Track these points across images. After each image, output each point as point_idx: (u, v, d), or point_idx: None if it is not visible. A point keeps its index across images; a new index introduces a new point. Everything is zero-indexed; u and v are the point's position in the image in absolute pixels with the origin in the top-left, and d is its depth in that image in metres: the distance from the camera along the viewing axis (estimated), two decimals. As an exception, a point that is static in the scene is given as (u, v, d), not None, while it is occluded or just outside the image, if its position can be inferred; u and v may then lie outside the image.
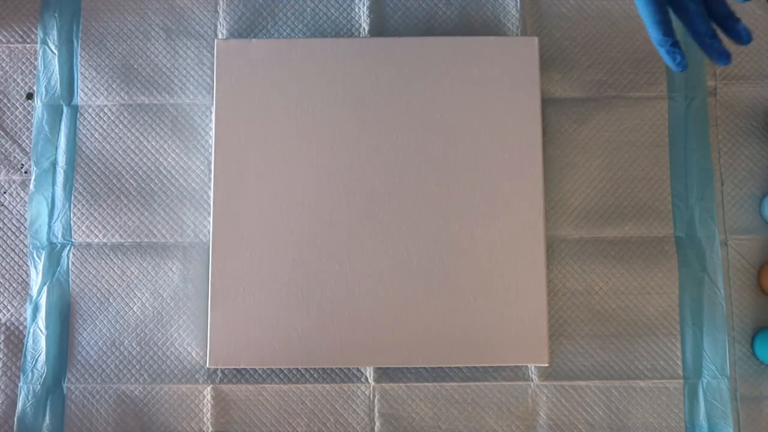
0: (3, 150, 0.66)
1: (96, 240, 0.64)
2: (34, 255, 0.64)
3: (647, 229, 0.64)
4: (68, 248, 0.64)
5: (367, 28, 0.67)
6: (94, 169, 0.65)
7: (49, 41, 0.66)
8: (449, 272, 0.61)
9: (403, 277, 0.61)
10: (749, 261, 0.64)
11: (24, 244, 0.65)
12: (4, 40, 0.67)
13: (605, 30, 0.67)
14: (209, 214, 0.63)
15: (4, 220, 0.65)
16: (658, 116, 0.65)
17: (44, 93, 0.66)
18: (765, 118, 0.66)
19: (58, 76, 0.66)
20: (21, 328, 0.64)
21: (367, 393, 0.62)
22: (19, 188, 0.65)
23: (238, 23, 0.67)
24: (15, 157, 0.66)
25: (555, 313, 0.63)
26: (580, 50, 0.67)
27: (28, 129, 0.66)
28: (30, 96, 0.67)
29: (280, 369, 0.62)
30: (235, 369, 0.62)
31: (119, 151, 0.65)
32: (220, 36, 0.67)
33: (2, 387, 0.63)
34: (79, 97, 0.66)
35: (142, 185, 0.65)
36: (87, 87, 0.66)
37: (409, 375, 0.62)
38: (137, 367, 0.63)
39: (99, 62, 0.66)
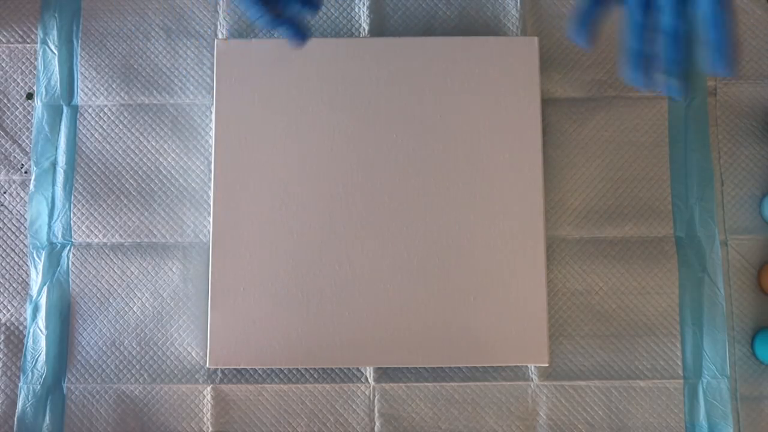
0: (3, 150, 0.66)
1: (96, 240, 0.64)
2: (34, 255, 0.64)
3: (647, 229, 0.64)
4: (68, 248, 0.64)
5: (367, 28, 0.67)
6: (94, 169, 0.65)
7: (49, 41, 0.66)
8: (449, 272, 0.61)
9: (403, 277, 0.61)
10: (749, 261, 0.64)
11: (24, 244, 0.65)
12: (4, 40, 0.67)
13: (605, 30, 0.67)
14: (209, 214, 0.63)
15: (4, 220, 0.65)
16: (658, 116, 0.65)
17: (44, 93, 0.66)
18: (765, 118, 0.66)
19: (58, 76, 0.66)
20: (21, 328, 0.64)
21: (367, 393, 0.62)
22: (19, 188, 0.65)
23: (238, 23, 0.67)
24: (15, 157, 0.66)
25: (555, 313, 0.63)
26: (580, 50, 0.67)
27: (28, 129, 0.66)
28: (30, 96, 0.67)
29: (280, 369, 0.62)
30: (235, 369, 0.62)
31: (119, 151, 0.65)
32: (220, 36, 0.67)
33: (2, 387, 0.63)
34: (79, 97, 0.66)
35: (142, 185, 0.65)
36: (87, 87, 0.66)
37: (409, 375, 0.62)
38: (137, 367, 0.63)
39: (99, 62, 0.66)
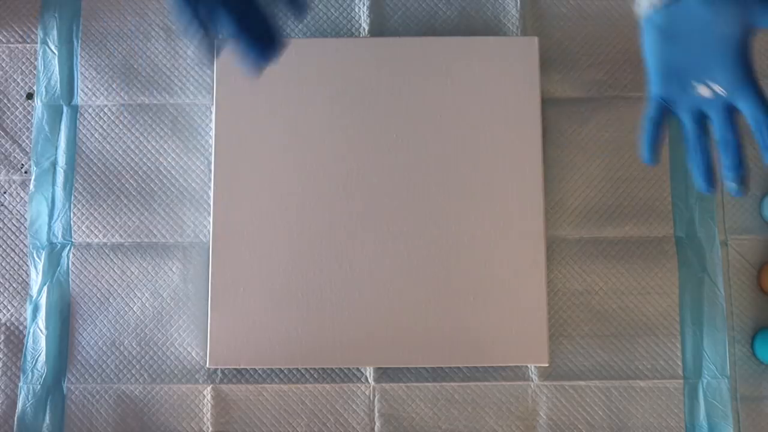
0: (3, 150, 0.66)
1: (96, 240, 0.64)
2: (34, 255, 0.64)
3: (647, 229, 0.64)
4: (68, 248, 0.64)
5: (367, 28, 0.67)
6: (94, 169, 0.65)
7: (49, 41, 0.66)
8: (449, 272, 0.61)
9: (403, 277, 0.61)
10: (749, 261, 0.64)
11: (24, 244, 0.65)
12: (4, 40, 0.67)
13: (605, 30, 0.67)
14: (209, 214, 0.63)
15: (4, 220, 0.65)
16: (658, 116, 0.65)
17: (44, 93, 0.66)
18: (765, 118, 0.66)
19: (58, 76, 0.66)
20: (21, 328, 0.64)
21: (367, 393, 0.62)
22: (19, 188, 0.65)
23: (238, 23, 0.67)
24: (15, 157, 0.66)
25: (555, 313, 0.63)
26: (580, 50, 0.67)
27: (28, 129, 0.66)
28: (30, 96, 0.67)
29: (280, 369, 0.62)
30: (235, 369, 0.62)
31: (119, 151, 0.65)
32: (220, 36, 0.67)
33: (2, 387, 0.63)
34: (79, 97, 0.66)
35: (142, 185, 0.65)
36: (87, 87, 0.66)
37: (409, 375, 0.62)
38: (137, 367, 0.63)
39: (99, 62, 0.66)
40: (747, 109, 0.43)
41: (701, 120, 0.45)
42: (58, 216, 0.64)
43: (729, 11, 0.42)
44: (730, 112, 0.44)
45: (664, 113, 0.46)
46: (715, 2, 0.42)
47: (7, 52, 0.67)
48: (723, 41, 0.42)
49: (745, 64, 0.43)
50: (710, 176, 0.45)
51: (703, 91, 0.44)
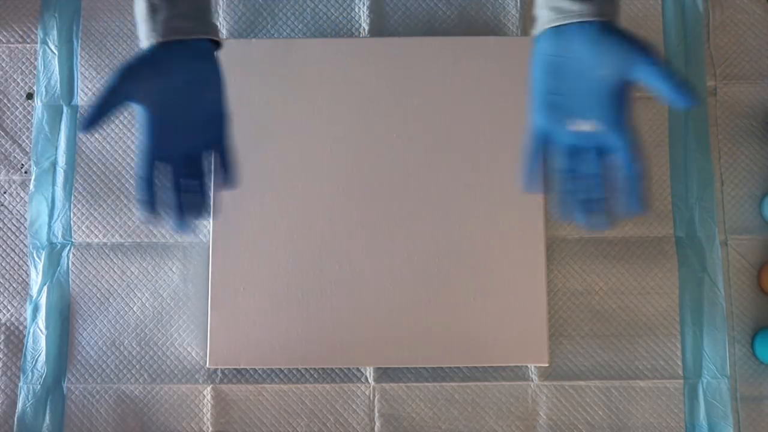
0: (3, 150, 0.66)
1: (96, 240, 0.64)
2: (34, 255, 0.64)
3: (647, 229, 0.64)
4: (68, 248, 0.64)
5: (367, 28, 0.67)
6: (94, 169, 0.65)
7: (49, 41, 0.66)
8: (449, 272, 0.61)
9: (403, 277, 0.61)
10: (749, 261, 0.64)
11: (24, 244, 0.65)
12: (4, 40, 0.67)
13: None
14: (209, 214, 0.63)
15: (4, 220, 0.65)
16: (658, 116, 0.65)
17: (44, 93, 0.66)
18: (765, 118, 0.66)
19: (58, 76, 0.66)
20: (21, 328, 0.64)
21: (367, 393, 0.62)
22: (19, 188, 0.65)
23: (238, 23, 0.67)
24: (15, 157, 0.66)
25: (555, 313, 0.63)
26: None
27: (28, 129, 0.66)
28: (30, 96, 0.66)
29: (280, 369, 0.62)
30: (235, 369, 0.62)
31: (119, 151, 0.65)
32: (220, 36, 0.67)
33: (2, 387, 0.63)
34: (79, 97, 0.66)
35: (142, 185, 0.65)
36: (87, 87, 0.66)
37: (409, 375, 0.62)
38: (137, 367, 0.62)
39: (99, 62, 0.66)
40: (619, 152, 0.44)
41: (574, 154, 0.46)
42: (58, 216, 0.64)
43: (612, 57, 0.44)
44: (602, 152, 0.45)
45: (543, 146, 0.47)
46: (601, 46, 0.43)
47: (7, 52, 0.67)
48: (603, 83, 0.44)
49: (622, 108, 0.45)
50: (571, 205, 0.46)
51: (581, 126, 0.45)
